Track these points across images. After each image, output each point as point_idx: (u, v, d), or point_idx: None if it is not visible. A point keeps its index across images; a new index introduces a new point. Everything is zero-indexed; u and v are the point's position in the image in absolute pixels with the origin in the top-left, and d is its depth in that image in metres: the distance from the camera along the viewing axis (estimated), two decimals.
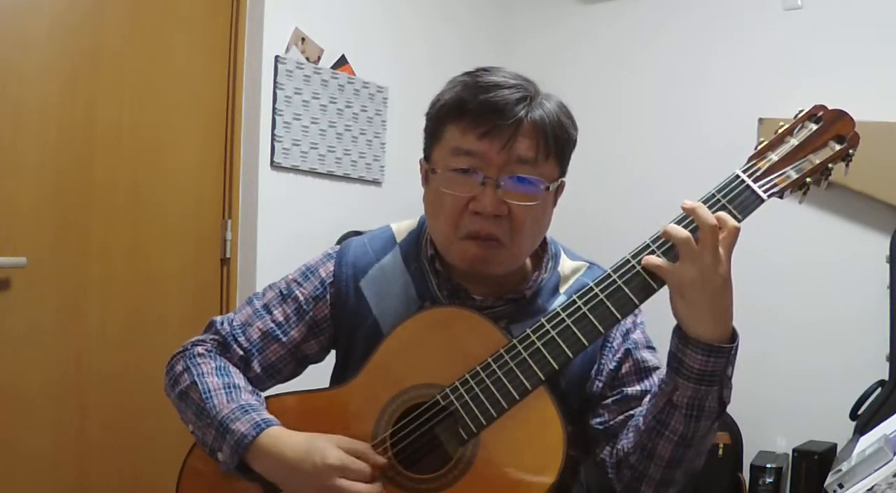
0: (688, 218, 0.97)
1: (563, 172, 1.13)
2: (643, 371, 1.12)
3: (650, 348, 1.16)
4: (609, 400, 1.11)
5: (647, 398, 1.07)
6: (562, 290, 1.16)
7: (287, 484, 1.03)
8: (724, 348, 0.95)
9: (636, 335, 1.15)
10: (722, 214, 0.95)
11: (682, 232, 0.94)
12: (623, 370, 1.12)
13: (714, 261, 0.93)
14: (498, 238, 1.06)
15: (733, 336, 0.97)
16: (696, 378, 0.96)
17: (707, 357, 0.94)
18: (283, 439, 1.03)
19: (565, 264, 1.19)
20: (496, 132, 1.04)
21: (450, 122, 1.08)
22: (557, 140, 1.08)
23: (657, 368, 1.14)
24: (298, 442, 1.02)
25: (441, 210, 1.08)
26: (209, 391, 1.08)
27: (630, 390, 1.11)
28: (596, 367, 1.13)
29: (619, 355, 1.13)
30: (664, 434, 1.00)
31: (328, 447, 1.00)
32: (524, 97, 1.05)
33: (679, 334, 0.97)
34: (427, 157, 1.14)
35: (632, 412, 1.09)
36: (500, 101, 1.04)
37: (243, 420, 1.04)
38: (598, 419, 1.11)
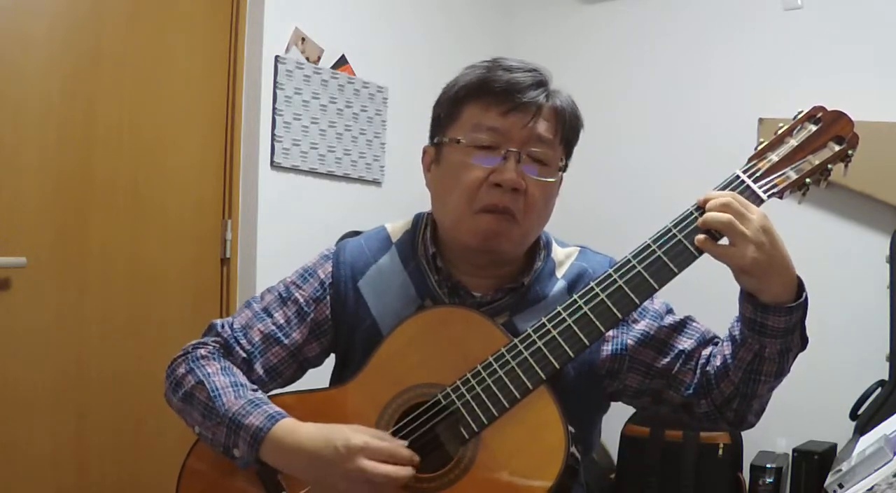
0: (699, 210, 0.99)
1: (566, 163, 1.16)
2: (682, 325, 1.16)
3: (670, 311, 1.18)
4: (676, 368, 1.12)
5: (717, 348, 1.10)
6: (559, 274, 1.17)
7: (307, 473, 1.01)
8: (800, 304, 0.99)
9: (654, 306, 1.16)
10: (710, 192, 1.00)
11: (723, 216, 0.96)
12: (662, 335, 1.14)
13: (758, 229, 0.95)
14: (513, 213, 1.08)
15: (801, 285, 1.00)
16: (783, 333, 0.99)
17: (790, 316, 0.98)
18: (299, 429, 1.02)
19: (557, 251, 1.21)
20: (519, 110, 1.08)
21: (470, 100, 1.11)
22: (571, 128, 1.13)
23: (687, 316, 1.17)
24: (314, 431, 1.01)
25: (457, 185, 1.10)
26: (217, 390, 1.07)
27: (685, 346, 1.13)
28: (614, 344, 1.14)
29: (641, 327, 1.14)
30: (760, 379, 1.05)
31: (350, 432, 1.00)
32: (543, 81, 1.11)
33: (754, 302, 0.99)
34: (439, 140, 1.15)
35: (702, 360, 1.12)
36: (523, 80, 1.08)
37: (255, 414, 1.03)
38: (681, 387, 1.12)
